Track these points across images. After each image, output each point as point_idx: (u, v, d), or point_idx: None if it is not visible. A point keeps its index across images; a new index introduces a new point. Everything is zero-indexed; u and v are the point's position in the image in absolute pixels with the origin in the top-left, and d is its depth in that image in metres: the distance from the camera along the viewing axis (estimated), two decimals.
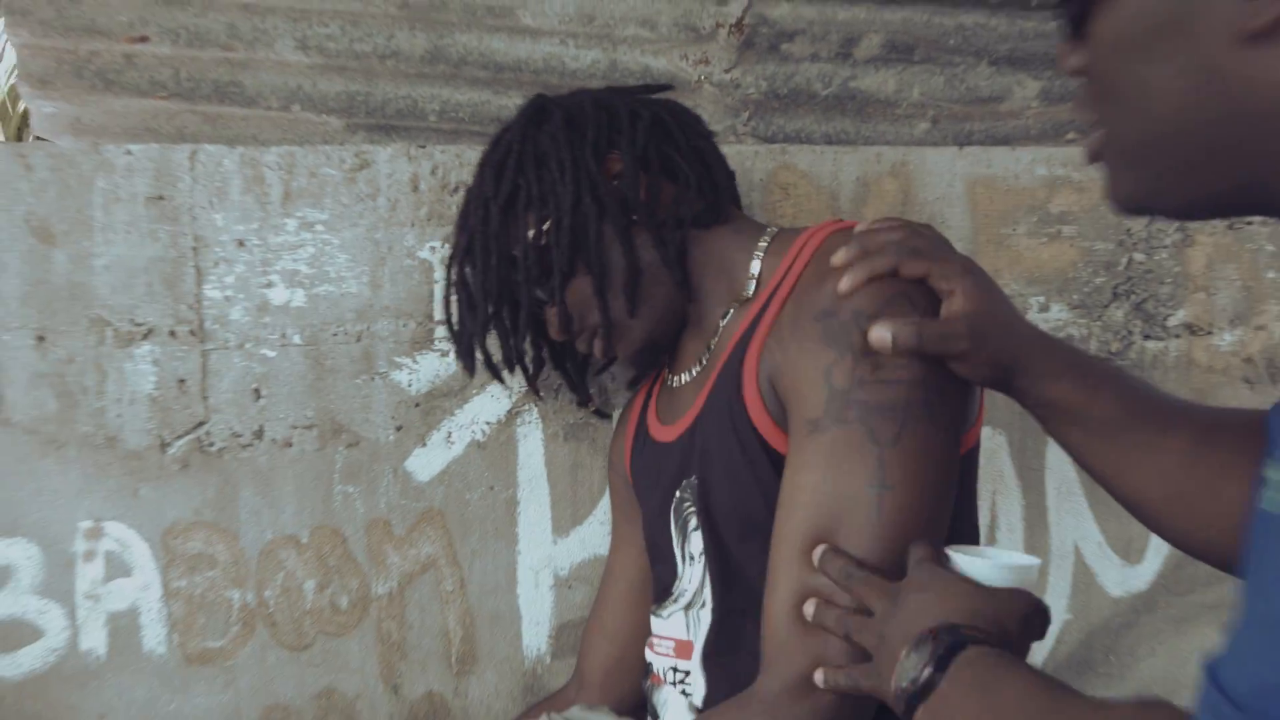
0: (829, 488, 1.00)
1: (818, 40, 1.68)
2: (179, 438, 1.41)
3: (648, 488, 1.29)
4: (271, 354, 1.43)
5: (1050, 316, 1.69)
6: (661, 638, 1.25)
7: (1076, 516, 1.72)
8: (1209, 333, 1.77)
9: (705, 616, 1.18)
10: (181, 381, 1.41)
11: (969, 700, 0.81)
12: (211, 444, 1.42)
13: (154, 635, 1.42)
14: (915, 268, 1.04)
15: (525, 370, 1.40)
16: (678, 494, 1.21)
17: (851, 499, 0.99)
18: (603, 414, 1.52)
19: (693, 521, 1.19)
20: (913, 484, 0.99)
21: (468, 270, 1.30)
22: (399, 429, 1.47)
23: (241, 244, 1.42)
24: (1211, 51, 0.60)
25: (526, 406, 1.51)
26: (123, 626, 1.41)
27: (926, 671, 0.84)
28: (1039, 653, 1.71)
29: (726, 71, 1.66)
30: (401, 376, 1.47)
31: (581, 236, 1.21)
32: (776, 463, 1.08)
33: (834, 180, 1.59)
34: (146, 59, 1.52)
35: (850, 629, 0.95)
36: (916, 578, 0.93)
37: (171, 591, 1.42)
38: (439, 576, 1.50)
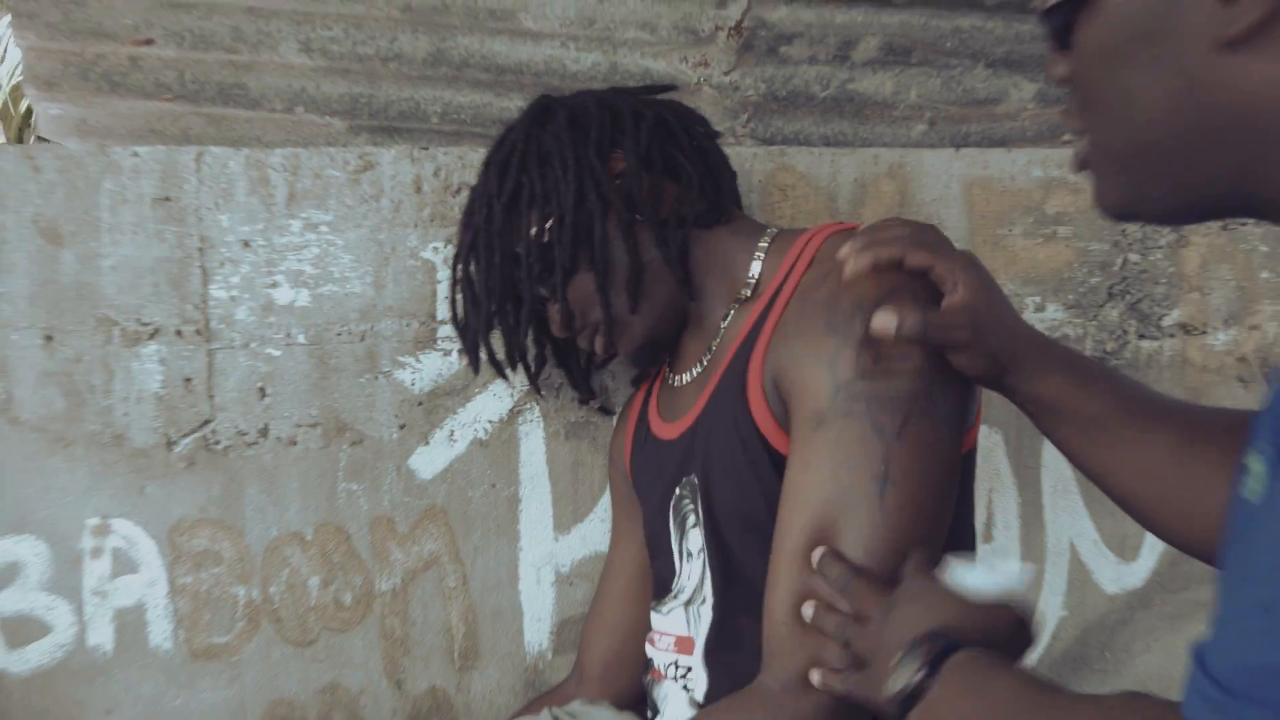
0: (832, 483, 1.00)
1: (816, 43, 1.69)
2: (185, 436, 1.43)
3: (648, 484, 1.31)
4: (276, 353, 1.45)
5: (1046, 316, 1.70)
6: (662, 633, 1.26)
7: (1072, 514, 1.74)
8: (1203, 332, 1.78)
9: (706, 613, 1.19)
10: (187, 380, 1.43)
11: (960, 702, 0.82)
12: (217, 442, 1.44)
13: (160, 631, 1.44)
14: (920, 258, 1.05)
15: (527, 368, 1.41)
16: (677, 491, 1.23)
17: (854, 495, 1.00)
18: (606, 410, 1.53)
19: (691, 519, 1.20)
20: (915, 481, 1.00)
21: (471, 267, 1.32)
22: (402, 427, 1.49)
23: (247, 245, 1.44)
24: (1191, 58, 0.62)
25: (528, 405, 1.52)
26: (129, 622, 1.43)
27: (918, 676, 0.85)
28: (1034, 651, 1.73)
29: (726, 74, 1.67)
30: (405, 375, 1.49)
31: (584, 234, 1.23)
32: (778, 463, 1.09)
33: (832, 181, 1.61)
34: (152, 61, 1.53)
35: (847, 636, 0.96)
36: (909, 588, 0.94)
37: (177, 588, 1.44)
38: (442, 573, 1.51)
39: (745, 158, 1.55)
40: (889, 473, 0.99)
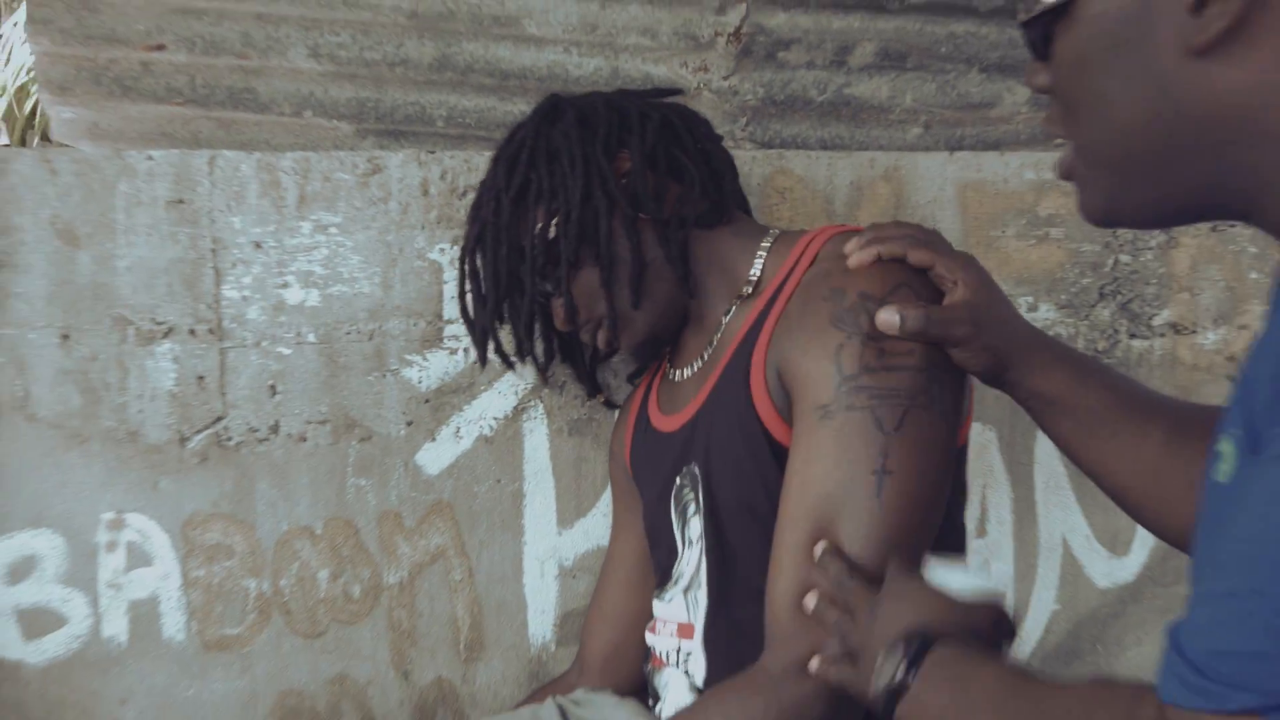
0: (834, 475, 1.04)
1: (813, 48, 1.72)
2: (198, 432, 1.46)
3: (648, 476, 1.33)
4: (287, 352, 1.48)
5: (1039, 316, 1.73)
6: (664, 620, 1.29)
7: (1064, 510, 1.76)
8: (1193, 332, 1.81)
9: (702, 599, 1.22)
10: (200, 378, 1.46)
11: (941, 694, 0.85)
12: (229, 438, 1.47)
13: (173, 623, 1.46)
14: (922, 256, 1.09)
15: (536, 360, 1.44)
16: (678, 481, 1.25)
17: (854, 487, 1.03)
18: (611, 404, 1.55)
19: (692, 507, 1.23)
20: (912, 471, 1.03)
21: (478, 261, 1.35)
22: (409, 424, 1.52)
23: (258, 246, 1.47)
24: (1163, 66, 0.65)
25: (532, 402, 1.55)
26: (143, 614, 1.45)
27: (901, 671, 0.87)
28: (1027, 644, 1.75)
29: (725, 79, 1.70)
30: (412, 373, 1.52)
31: (590, 230, 1.25)
32: (778, 453, 1.12)
33: (829, 184, 1.64)
34: (163, 66, 1.55)
35: (842, 630, 0.99)
36: (892, 588, 0.97)
37: (190, 581, 1.46)
38: (448, 566, 1.54)
39: (744, 161, 1.57)
40: (887, 465, 1.03)
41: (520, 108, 1.58)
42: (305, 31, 1.57)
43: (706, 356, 1.28)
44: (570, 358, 1.48)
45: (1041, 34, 0.74)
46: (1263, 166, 0.64)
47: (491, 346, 1.41)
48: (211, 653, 1.47)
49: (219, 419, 1.46)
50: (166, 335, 1.44)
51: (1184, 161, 0.67)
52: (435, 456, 1.53)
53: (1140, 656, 1.79)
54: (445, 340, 1.52)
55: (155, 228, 1.43)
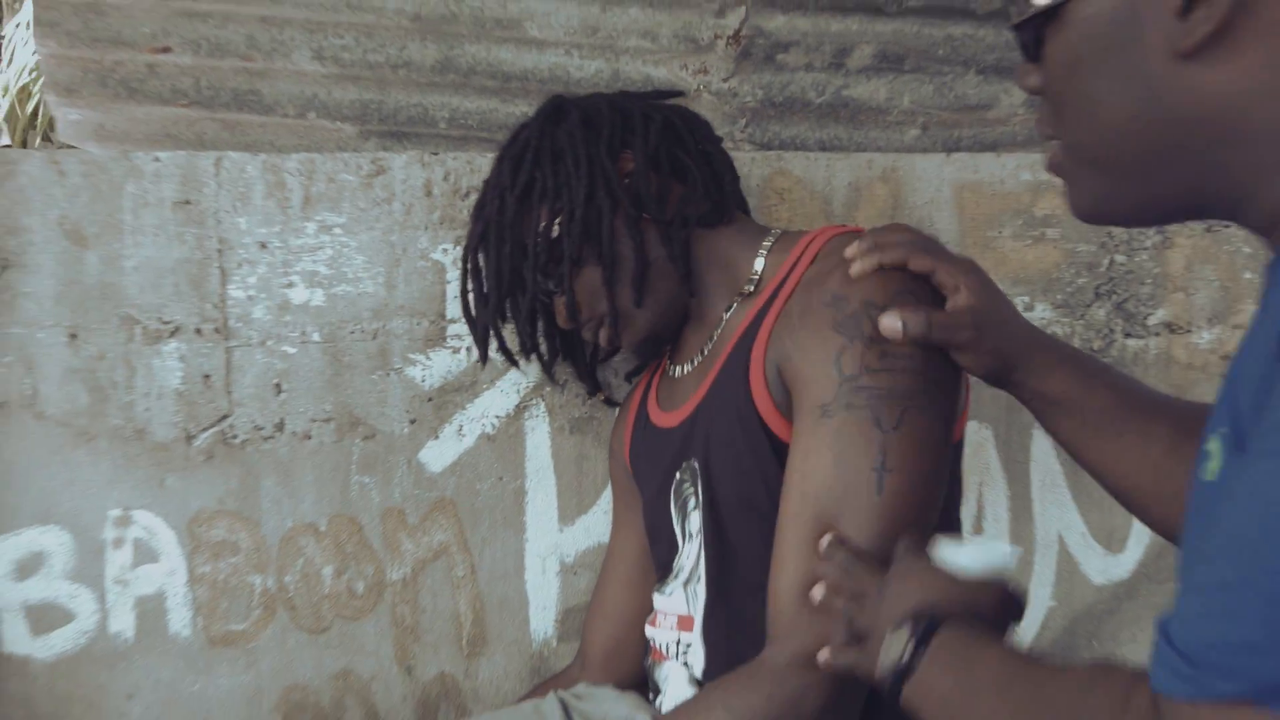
0: (835, 471, 1.05)
1: (812, 51, 1.73)
2: (204, 430, 1.47)
3: (648, 471, 1.35)
4: (292, 351, 1.49)
5: (1035, 316, 1.74)
6: (665, 613, 1.31)
7: (1060, 507, 1.78)
8: (1188, 331, 1.82)
9: (701, 592, 1.23)
10: (206, 377, 1.47)
11: (947, 675, 0.86)
12: (235, 436, 1.48)
13: (179, 618, 1.48)
14: (923, 262, 1.10)
15: (540, 358, 1.45)
16: (677, 475, 1.27)
17: (855, 481, 1.05)
18: (611, 402, 1.57)
19: (691, 501, 1.24)
20: (911, 468, 1.05)
21: (481, 258, 1.36)
22: (413, 422, 1.53)
23: (264, 246, 1.48)
24: (1151, 68, 0.67)
25: (534, 401, 1.57)
26: (150, 610, 1.46)
27: (908, 651, 0.88)
28: (1025, 639, 1.77)
29: (724, 81, 1.71)
30: (415, 372, 1.53)
31: (593, 229, 1.27)
32: (777, 448, 1.14)
33: (827, 185, 1.65)
34: (168, 68, 1.56)
35: (849, 614, 1.00)
36: (900, 567, 0.98)
37: (196, 577, 1.48)
38: (450, 563, 1.56)
39: (743, 162, 1.58)
40: (887, 462, 1.04)
41: (522, 109, 1.60)
42: (309, 34, 1.58)
43: (706, 352, 1.30)
44: (571, 356, 1.50)
45: (1033, 36, 0.75)
46: (1247, 167, 0.65)
47: (493, 345, 1.43)
48: (217, 648, 1.49)
49: (225, 417, 1.48)
50: (173, 334, 1.46)
51: (1171, 162, 0.68)
52: (438, 454, 1.54)
53: (1135, 653, 1.80)
54: (448, 339, 1.53)
55: (162, 228, 1.45)
